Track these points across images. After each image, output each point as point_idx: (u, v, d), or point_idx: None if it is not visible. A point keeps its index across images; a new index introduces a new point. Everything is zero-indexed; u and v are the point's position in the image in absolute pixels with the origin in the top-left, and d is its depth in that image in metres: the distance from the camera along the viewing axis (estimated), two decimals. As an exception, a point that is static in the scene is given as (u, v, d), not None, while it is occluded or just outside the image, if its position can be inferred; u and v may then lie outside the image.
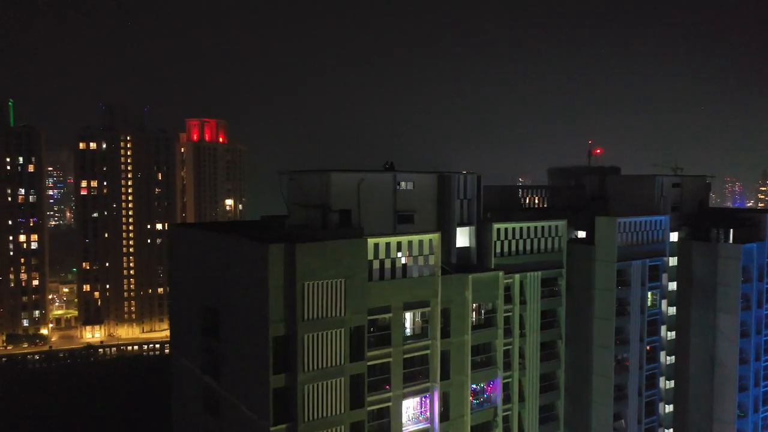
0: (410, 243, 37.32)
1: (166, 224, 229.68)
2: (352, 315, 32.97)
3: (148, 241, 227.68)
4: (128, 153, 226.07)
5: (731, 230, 60.43)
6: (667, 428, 62.59)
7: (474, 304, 40.61)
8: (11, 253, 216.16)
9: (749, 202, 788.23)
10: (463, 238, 45.29)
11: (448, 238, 43.46)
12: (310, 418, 31.72)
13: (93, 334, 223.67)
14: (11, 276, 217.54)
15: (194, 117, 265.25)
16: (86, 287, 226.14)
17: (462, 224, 44.87)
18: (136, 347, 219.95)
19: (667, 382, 62.57)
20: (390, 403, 35.91)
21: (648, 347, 57.95)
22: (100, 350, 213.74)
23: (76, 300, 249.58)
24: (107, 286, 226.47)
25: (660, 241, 57.50)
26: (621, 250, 54.19)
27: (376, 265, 35.57)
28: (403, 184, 42.36)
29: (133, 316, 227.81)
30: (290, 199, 44.50)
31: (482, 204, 47.71)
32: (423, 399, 37.62)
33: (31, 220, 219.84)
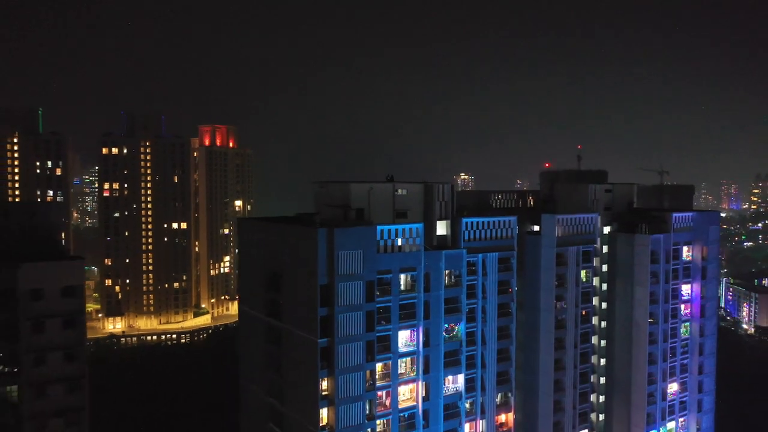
0: (404, 230, 57.78)
1: (184, 224, 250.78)
2: (367, 273, 53.49)
3: (165, 239, 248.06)
4: (147, 157, 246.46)
5: (646, 225, 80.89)
6: (600, 375, 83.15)
7: (446, 271, 61.14)
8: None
9: (744, 204, 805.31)
10: (441, 228, 65.65)
11: (431, 228, 63.85)
12: (342, 335, 52.22)
13: (114, 325, 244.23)
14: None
15: (200, 122, 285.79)
16: (108, 282, 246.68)
17: (441, 219, 65.25)
18: (154, 337, 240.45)
19: (602, 341, 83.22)
20: (390, 332, 56.42)
21: (583, 312, 78.43)
22: (122, 339, 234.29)
23: (95, 294, 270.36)
24: (127, 281, 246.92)
25: (591, 232, 78.02)
26: (560, 239, 74.73)
27: (381, 243, 56.01)
28: (399, 190, 62.77)
29: (152, 308, 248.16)
30: (318, 201, 64.94)
31: (455, 204, 68.07)
32: (412, 331, 58.11)
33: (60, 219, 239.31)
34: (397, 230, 57.30)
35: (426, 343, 58.93)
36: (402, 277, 57.47)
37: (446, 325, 60.93)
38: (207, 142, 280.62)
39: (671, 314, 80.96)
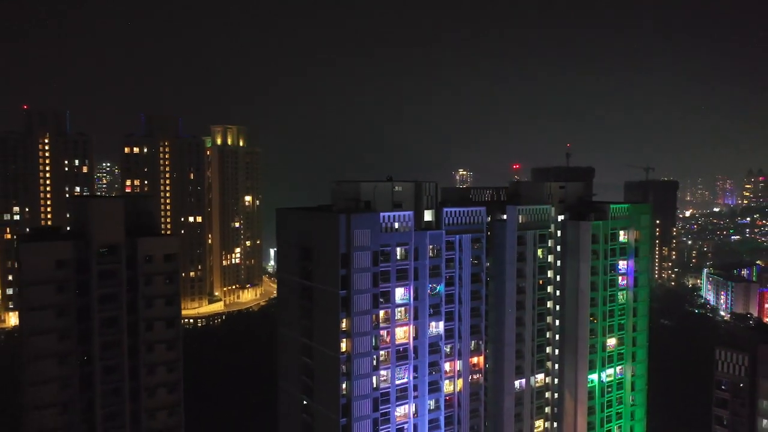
0: (399, 216, 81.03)
1: (199, 218, 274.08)
2: (373, 246, 76.86)
3: (182, 231, 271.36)
4: (166, 156, 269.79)
5: (591, 214, 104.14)
6: (555, 333, 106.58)
7: (430, 246, 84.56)
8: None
9: (739, 200, 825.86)
10: (428, 215, 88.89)
11: (420, 215, 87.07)
12: (356, 289, 75.63)
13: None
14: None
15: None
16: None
17: (427, 208, 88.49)
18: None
19: (556, 305, 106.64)
20: (389, 289, 79.86)
21: (540, 281, 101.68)
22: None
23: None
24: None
25: (546, 220, 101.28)
26: (521, 225, 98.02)
27: (383, 225, 79.27)
28: (396, 187, 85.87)
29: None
30: (335, 195, 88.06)
31: (440, 198, 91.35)
32: (405, 288, 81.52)
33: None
34: (394, 216, 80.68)
35: (415, 298, 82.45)
36: (398, 249, 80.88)
37: (430, 285, 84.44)
38: (219, 141, 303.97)
39: (609, 284, 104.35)
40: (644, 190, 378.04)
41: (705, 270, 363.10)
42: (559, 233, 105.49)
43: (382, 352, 79.72)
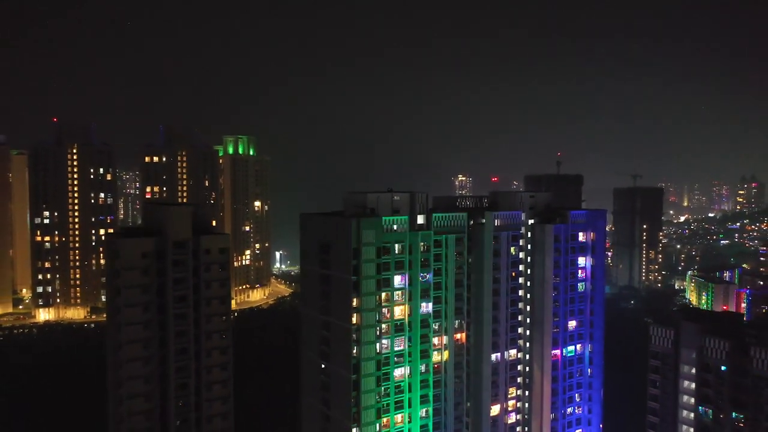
0: (398, 220, 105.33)
1: (213, 222, 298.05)
2: (377, 242, 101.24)
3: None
4: (183, 165, 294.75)
5: (556, 218, 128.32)
6: (526, 316, 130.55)
7: (422, 243, 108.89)
8: (93, 243, 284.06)
9: (734, 206, 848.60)
10: (420, 219, 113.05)
11: (414, 219, 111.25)
12: (364, 275, 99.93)
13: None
14: (93, 261, 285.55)
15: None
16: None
17: (420, 213, 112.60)
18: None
19: (527, 293, 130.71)
20: (389, 276, 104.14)
21: (513, 273, 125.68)
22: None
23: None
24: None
25: (518, 223, 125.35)
26: (497, 227, 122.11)
27: (385, 226, 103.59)
28: (395, 197, 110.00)
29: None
30: (347, 202, 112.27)
31: (430, 205, 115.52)
32: (401, 276, 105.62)
33: (109, 217, 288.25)
34: (393, 220, 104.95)
35: (410, 284, 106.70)
36: (396, 245, 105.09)
37: (421, 274, 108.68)
38: (231, 151, 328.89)
39: (570, 276, 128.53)
40: (631, 196, 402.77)
41: (688, 273, 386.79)
42: (529, 234, 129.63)
43: (383, 325, 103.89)
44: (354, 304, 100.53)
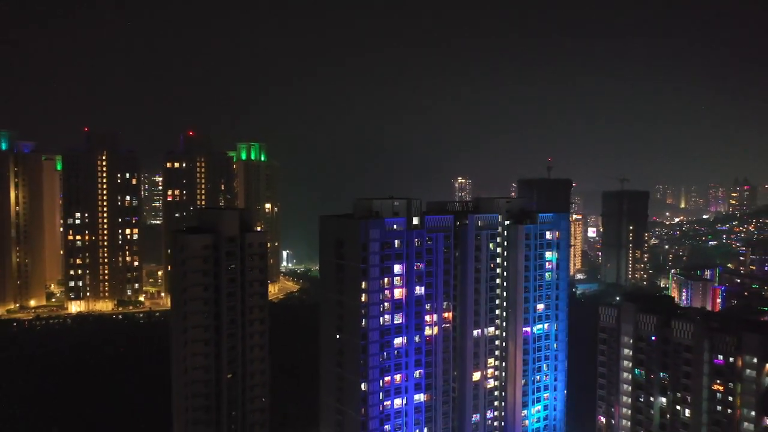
0: (396, 221, 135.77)
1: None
2: (381, 238, 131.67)
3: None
4: (202, 170, 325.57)
5: (527, 220, 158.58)
6: (503, 300, 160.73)
7: (416, 240, 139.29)
8: (120, 242, 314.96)
9: (730, 209, 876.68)
10: (415, 220, 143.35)
11: (410, 220, 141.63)
12: (371, 264, 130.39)
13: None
14: (119, 258, 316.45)
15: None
16: (170, 267, 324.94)
17: (415, 216, 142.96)
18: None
19: (504, 282, 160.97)
20: (391, 264, 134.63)
21: (491, 265, 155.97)
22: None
23: (148, 280, 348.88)
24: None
25: (495, 224, 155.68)
26: (478, 227, 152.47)
27: (387, 226, 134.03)
28: (395, 203, 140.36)
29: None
30: (356, 207, 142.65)
31: (424, 209, 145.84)
32: (400, 265, 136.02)
33: (134, 218, 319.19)
34: (393, 221, 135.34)
35: (406, 271, 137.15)
36: (396, 241, 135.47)
37: (416, 264, 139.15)
38: (244, 157, 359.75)
39: (538, 267, 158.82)
40: (619, 199, 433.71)
41: (671, 271, 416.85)
42: (505, 233, 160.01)
43: (385, 304, 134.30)
44: (363, 286, 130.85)
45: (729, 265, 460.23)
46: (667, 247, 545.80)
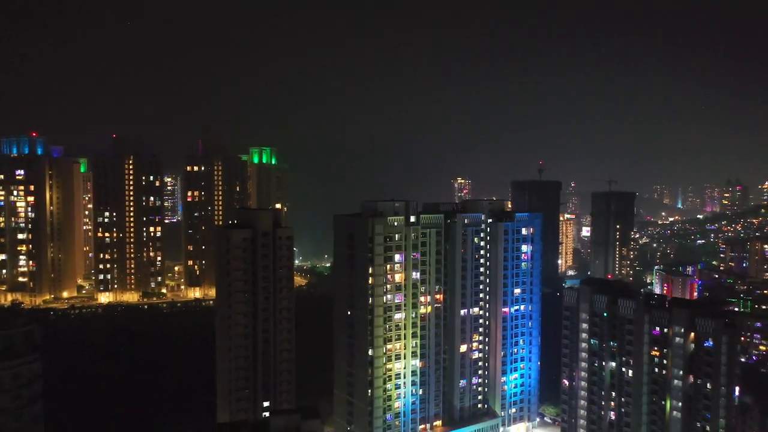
0: (397, 219, 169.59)
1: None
2: (385, 233, 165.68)
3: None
4: (219, 173, 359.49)
5: (506, 218, 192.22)
6: (486, 285, 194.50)
7: (412, 234, 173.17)
8: (144, 239, 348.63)
9: (723, 209, 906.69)
10: (412, 219, 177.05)
11: (408, 218, 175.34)
12: (376, 254, 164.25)
13: (194, 293, 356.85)
14: (144, 254, 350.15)
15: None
16: (189, 262, 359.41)
17: (412, 215, 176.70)
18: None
19: (487, 270, 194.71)
20: (392, 254, 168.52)
21: (476, 256, 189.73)
22: (203, 303, 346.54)
23: (169, 275, 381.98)
24: (203, 262, 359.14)
25: (479, 222, 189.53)
26: (465, 225, 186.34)
27: (389, 224, 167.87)
28: (396, 204, 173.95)
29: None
30: (363, 207, 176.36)
31: (420, 209, 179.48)
32: (400, 255, 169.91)
33: (157, 217, 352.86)
34: (394, 219, 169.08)
35: (405, 260, 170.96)
36: (397, 235, 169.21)
37: (413, 254, 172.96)
38: (256, 160, 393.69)
39: (515, 258, 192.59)
40: (607, 200, 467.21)
41: (655, 267, 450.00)
42: (488, 229, 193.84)
43: (388, 286, 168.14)
44: (369, 271, 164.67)
45: (714, 262, 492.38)
46: (656, 245, 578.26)
